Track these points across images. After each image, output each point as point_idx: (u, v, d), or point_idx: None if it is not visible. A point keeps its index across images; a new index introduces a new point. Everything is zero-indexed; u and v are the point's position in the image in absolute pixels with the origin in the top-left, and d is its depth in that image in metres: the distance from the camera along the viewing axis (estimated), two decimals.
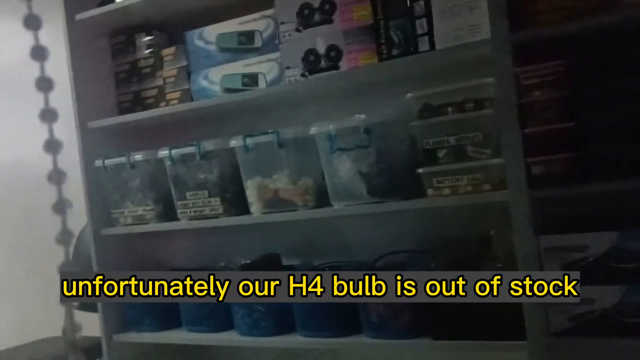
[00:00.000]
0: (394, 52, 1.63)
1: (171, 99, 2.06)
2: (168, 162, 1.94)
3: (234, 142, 1.82)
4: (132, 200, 2.02)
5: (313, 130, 1.70)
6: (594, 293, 1.38)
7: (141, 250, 2.19)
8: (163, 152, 1.95)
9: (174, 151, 1.92)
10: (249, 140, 1.79)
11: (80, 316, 2.40)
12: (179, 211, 1.95)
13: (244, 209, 1.86)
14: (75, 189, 2.09)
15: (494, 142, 1.49)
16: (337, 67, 1.74)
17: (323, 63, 1.75)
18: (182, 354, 2.14)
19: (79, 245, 2.40)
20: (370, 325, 1.65)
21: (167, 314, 2.00)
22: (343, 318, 1.70)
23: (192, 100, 1.99)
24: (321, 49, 1.75)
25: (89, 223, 2.07)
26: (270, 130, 1.78)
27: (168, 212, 1.99)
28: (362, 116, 1.63)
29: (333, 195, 1.71)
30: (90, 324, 2.08)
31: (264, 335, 1.81)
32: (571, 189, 1.39)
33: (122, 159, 2.00)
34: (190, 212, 1.92)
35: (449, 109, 1.55)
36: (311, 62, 1.76)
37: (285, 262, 1.96)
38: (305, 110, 1.93)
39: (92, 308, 2.11)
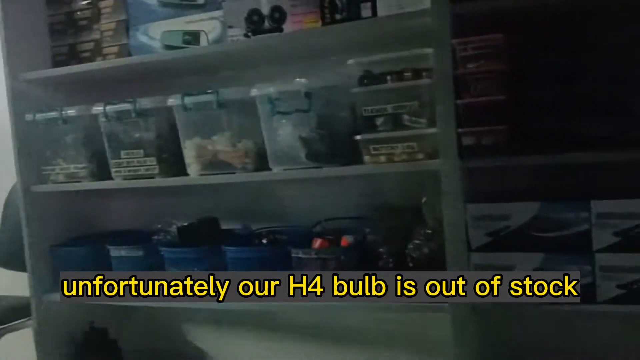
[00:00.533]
0: (337, 16, 1.62)
1: (108, 54, 1.99)
2: (103, 119, 1.88)
3: (172, 101, 1.78)
4: (65, 157, 1.95)
5: (254, 91, 1.69)
6: (514, 259, 1.45)
7: (75, 210, 2.13)
8: (97, 108, 1.88)
9: (108, 107, 1.86)
10: (187, 100, 1.76)
11: (10, 275, 2.34)
12: (113, 170, 1.89)
13: (181, 170, 1.83)
14: (4, 143, 2.00)
15: (430, 112, 1.52)
16: (280, 29, 1.71)
17: (267, 24, 1.72)
18: (114, 315, 2.12)
19: (9, 205, 2.32)
20: None
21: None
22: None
23: (130, 55, 1.93)
24: (265, 9, 1.72)
25: (18, 179, 1.99)
26: (210, 90, 1.74)
27: (102, 171, 1.93)
28: (303, 80, 1.62)
29: (272, 159, 1.71)
30: (22, 283, 2.03)
31: None
32: (500, 161, 1.44)
33: (54, 114, 1.92)
34: (125, 171, 1.87)
35: (388, 78, 1.57)
36: (255, 23, 1.73)
37: (224, 225, 1.96)
38: (249, 72, 1.90)
39: (21, 267, 2.04)
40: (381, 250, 1.64)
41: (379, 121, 1.59)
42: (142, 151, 1.84)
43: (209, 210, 1.97)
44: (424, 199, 1.62)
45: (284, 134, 1.67)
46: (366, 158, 1.61)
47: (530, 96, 1.41)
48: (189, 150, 1.80)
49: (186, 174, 1.82)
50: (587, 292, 1.38)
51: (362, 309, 1.63)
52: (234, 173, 1.76)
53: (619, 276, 1.36)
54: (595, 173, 1.44)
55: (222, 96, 1.72)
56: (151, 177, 1.85)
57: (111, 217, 2.23)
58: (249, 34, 1.73)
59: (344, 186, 1.85)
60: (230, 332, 2.09)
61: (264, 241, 1.82)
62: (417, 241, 1.60)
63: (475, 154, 1.45)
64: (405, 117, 1.57)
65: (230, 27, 1.76)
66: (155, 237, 1.96)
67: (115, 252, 1.93)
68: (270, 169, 1.71)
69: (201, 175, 1.80)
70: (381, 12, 1.57)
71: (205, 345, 2.14)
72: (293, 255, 1.68)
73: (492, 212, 1.47)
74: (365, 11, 1.58)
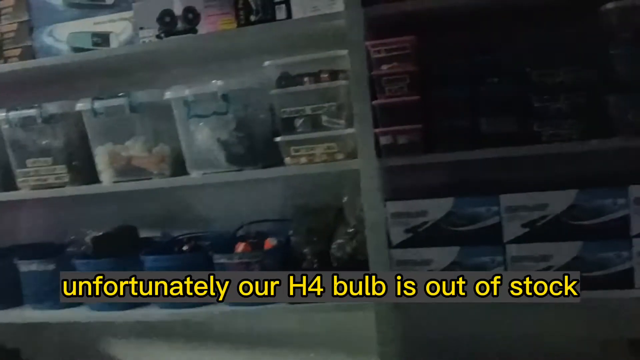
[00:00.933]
0: (252, 18, 1.61)
1: (10, 56, 1.86)
2: (5, 126, 1.76)
3: (81, 105, 1.70)
4: None
5: (168, 94, 1.64)
6: (432, 254, 1.49)
7: None
8: None
9: (12, 113, 1.74)
10: (97, 104, 1.68)
11: None
12: (19, 180, 1.78)
13: (93, 177, 1.75)
14: None
15: (348, 112, 1.54)
16: (194, 31, 1.67)
17: (180, 25, 1.68)
18: (26, 334, 1.99)
19: None
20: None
21: (7, 291, 1.84)
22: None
23: (34, 58, 1.82)
24: (178, 10, 1.67)
25: None
26: (121, 94, 1.68)
27: (6, 181, 1.81)
28: (219, 82, 1.59)
29: (190, 163, 1.67)
30: None
31: (119, 309, 1.73)
32: (416, 159, 1.48)
33: None
34: (32, 180, 1.77)
35: (306, 79, 1.57)
36: (167, 24, 1.68)
37: (143, 234, 1.89)
38: (163, 74, 1.84)
39: None
40: (305, 251, 1.63)
41: (298, 122, 1.59)
42: (50, 159, 1.74)
43: (126, 219, 1.89)
44: (345, 199, 1.64)
45: (202, 137, 1.64)
46: (287, 160, 1.60)
47: (442, 96, 1.45)
48: (101, 157, 1.72)
49: (99, 182, 1.74)
50: (500, 283, 1.44)
51: (287, 311, 1.62)
52: (150, 179, 1.70)
53: (527, 266, 1.43)
54: (504, 168, 1.51)
55: (134, 100, 1.66)
56: (61, 185, 1.76)
57: (20, 229, 2.09)
58: (162, 35, 1.68)
59: (266, 189, 1.83)
60: (152, 344, 2.02)
61: (185, 248, 1.76)
62: (340, 241, 1.61)
63: (392, 152, 1.48)
64: (324, 118, 1.58)
65: (142, 28, 1.70)
66: (69, 249, 1.86)
67: (25, 267, 1.81)
68: (188, 174, 1.67)
69: (115, 182, 1.72)
70: (296, 14, 1.57)
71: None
72: (215, 261, 1.65)
73: (410, 209, 1.50)
74: (280, 13, 1.58)
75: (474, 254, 1.46)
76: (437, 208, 1.48)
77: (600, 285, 1.39)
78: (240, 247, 1.68)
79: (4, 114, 1.75)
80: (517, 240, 1.44)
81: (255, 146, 1.64)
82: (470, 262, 1.46)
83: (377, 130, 1.47)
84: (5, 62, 1.85)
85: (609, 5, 1.35)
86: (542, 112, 1.41)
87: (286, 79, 1.60)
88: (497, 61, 1.45)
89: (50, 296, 1.79)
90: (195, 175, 1.67)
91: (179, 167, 1.70)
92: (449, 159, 1.46)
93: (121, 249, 1.77)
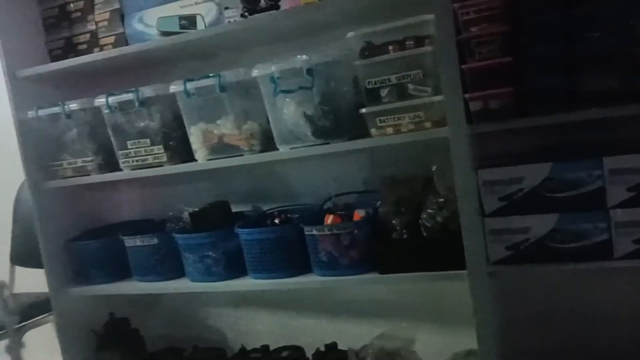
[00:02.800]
0: None
1: (105, 44, 1.97)
2: (106, 111, 1.87)
3: (174, 87, 1.77)
4: (71, 152, 1.95)
5: (255, 72, 1.67)
6: (529, 222, 1.45)
7: (85, 203, 2.14)
8: (100, 100, 1.87)
9: (111, 98, 1.85)
10: (189, 85, 1.74)
11: (28, 272, 2.34)
12: (121, 161, 1.89)
13: (188, 156, 1.82)
14: (9, 141, 2.00)
15: (435, 79, 1.51)
16: (277, 7, 1.69)
17: (263, 2, 1.70)
18: (134, 305, 2.14)
19: (20, 203, 2.33)
20: (320, 263, 1.69)
21: (116, 265, 1.98)
22: (293, 259, 1.73)
23: (127, 44, 1.91)
24: None
25: (26, 177, 2.00)
26: (211, 74, 1.73)
27: (110, 163, 1.93)
28: (304, 57, 1.60)
29: (279, 138, 1.70)
30: (40, 279, 2.05)
31: (216, 281, 1.82)
32: (508, 124, 1.43)
33: (57, 109, 1.91)
34: (132, 161, 1.87)
35: (390, 48, 1.55)
36: (250, 2, 1.70)
37: (234, 208, 1.96)
38: (248, 54, 1.88)
39: (37, 264, 2.06)
40: (394, 222, 1.64)
41: (384, 92, 1.58)
42: (148, 140, 1.84)
43: (219, 195, 1.98)
44: (434, 168, 1.61)
45: (289, 112, 1.66)
46: (373, 131, 1.60)
47: (534, 56, 1.38)
48: (195, 136, 1.79)
49: (194, 160, 1.82)
50: (604, 249, 1.38)
51: (382, 282, 1.64)
52: (241, 155, 1.75)
53: (634, 231, 1.36)
54: (605, 129, 1.43)
55: (224, 79, 1.70)
56: (159, 165, 1.85)
57: (122, 208, 2.23)
58: (246, 13, 1.71)
59: (352, 161, 1.84)
60: (248, 313, 2.11)
61: (276, 221, 1.82)
62: (430, 210, 1.59)
63: (483, 118, 1.43)
64: (410, 86, 1.55)
65: (227, 8, 1.74)
66: (168, 224, 1.97)
67: (130, 242, 1.94)
68: (277, 149, 1.71)
69: (209, 160, 1.79)
70: None
71: (226, 328, 2.16)
72: (307, 233, 1.68)
73: (504, 176, 1.46)
74: None
75: (575, 221, 1.40)
76: (533, 174, 1.43)
77: None
78: (329, 219, 1.71)
79: (103, 99, 1.86)
80: (623, 204, 1.36)
81: (341, 119, 1.64)
82: (571, 229, 1.40)
83: (466, 95, 1.43)
84: (101, 49, 1.96)
85: None
86: None
87: (370, 49, 1.59)
88: (595, 13, 1.35)
89: (154, 269, 1.91)
90: (283, 150, 1.70)
91: (268, 142, 1.74)
92: (545, 122, 1.39)
93: (216, 223, 1.85)
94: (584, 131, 1.45)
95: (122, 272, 1.98)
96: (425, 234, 1.59)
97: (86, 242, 2.02)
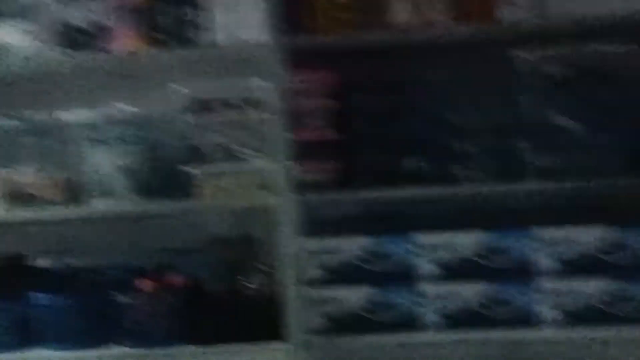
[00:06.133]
0: (165, 39, 1.50)
1: None
2: None
3: None
4: None
5: (67, 116, 1.50)
6: (347, 293, 1.47)
7: None
8: None
9: None
10: None
11: None
12: None
13: None
14: None
15: (265, 145, 1.48)
16: (101, 48, 1.54)
17: (84, 40, 1.54)
18: None
19: None
20: (130, 334, 1.52)
21: None
22: (98, 328, 1.54)
23: None
24: (83, 23, 1.54)
25: None
26: (13, 114, 1.51)
27: None
28: (124, 105, 1.48)
29: (89, 191, 1.54)
30: None
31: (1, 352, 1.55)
32: (334, 195, 1.46)
33: None
34: None
35: (221, 107, 1.50)
36: (70, 37, 1.53)
37: (37, 263, 1.71)
38: (61, 94, 1.68)
39: None
40: (214, 288, 1.55)
41: (211, 152, 1.51)
42: None
43: (19, 247, 1.71)
44: (258, 233, 1.58)
45: (103, 164, 1.52)
46: (197, 191, 1.52)
47: (358, 133, 1.44)
48: None
49: None
50: (414, 322, 1.44)
51: (199, 356, 1.53)
52: (44, 207, 1.54)
53: (444, 304, 1.43)
54: (419, 206, 1.52)
55: (28, 122, 1.50)
56: None
57: None
58: (66, 50, 1.53)
59: (172, 219, 1.72)
60: None
61: (79, 283, 1.61)
62: (252, 277, 1.54)
63: (310, 188, 1.45)
64: (239, 149, 1.51)
65: (43, 41, 1.54)
66: None
67: None
68: (86, 202, 1.54)
69: (6, 210, 1.55)
70: (215, 38, 1.48)
71: None
72: (116, 298, 1.52)
73: (325, 246, 1.47)
74: (197, 36, 1.49)
75: (388, 294, 1.45)
76: (352, 246, 1.46)
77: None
78: (144, 283, 1.57)
79: None
80: (432, 279, 1.44)
81: (162, 175, 1.54)
82: (385, 301, 1.45)
83: (296, 165, 1.43)
84: None
85: (519, 53, 1.40)
86: (456, 152, 1.43)
87: (200, 106, 1.52)
88: (412, 100, 1.46)
89: None
90: (94, 205, 1.53)
91: (75, 194, 1.55)
92: (366, 196, 1.45)
93: (6, 283, 1.59)
94: (403, 206, 1.53)
95: None
96: (246, 301, 1.53)
97: None
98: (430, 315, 1.44)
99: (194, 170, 1.50)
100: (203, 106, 1.51)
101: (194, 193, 1.51)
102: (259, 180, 1.49)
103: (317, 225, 1.52)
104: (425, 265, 1.44)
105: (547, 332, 1.41)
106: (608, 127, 1.34)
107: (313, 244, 1.47)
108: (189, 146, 1.51)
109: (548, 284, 1.40)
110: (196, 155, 1.51)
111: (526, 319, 1.41)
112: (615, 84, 1.33)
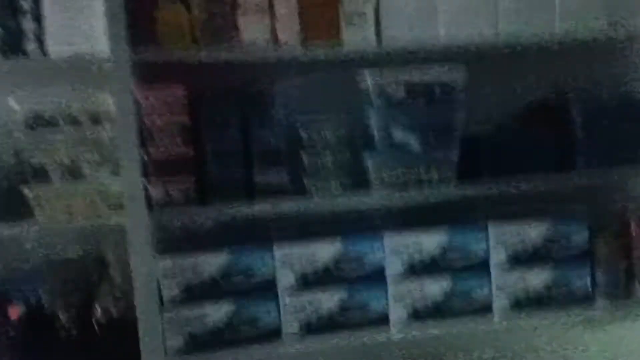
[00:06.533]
0: None
1: None
2: None
3: None
4: None
5: None
6: (207, 310, 1.44)
7: None
8: None
9: None
10: None
11: None
12: None
13: None
14: None
15: (113, 162, 1.41)
16: None
17: None
18: None
19: None
20: None
21: None
22: None
23: None
24: None
25: None
26: None
27: None
28: None
29: None
30: None
31: None
32: (189, 212, 1.43)
33: None
34: None
35: (63, 122, 1.40)
36: None
37: None
38: None
39: None
40: (61, 316, 1.44)
41: (53, 171, 1.40)
42: None
43: None
44: (109, 254, 1.49)
45: None
46: (38, 212, 1.40)
47: (212, 148, 1.43)
48: None
49: None
50: (274, 334, 1.46)
51: None
52: None
53: (300, 316, 1.47)
54: (277, 220, 1.54)
55: None
56: None
57: None
58: None
59: (8, 240, 1.57)
60: None
61: None
62: (103, 302, 1.45)
63: (164, 205, 1.40)
64: (85, 166, 1.42)
65: None
66: None
67: None
68: None
69: None
70: (51, 48, 1.38)
71: None
72: None
73: (183, 264, 1.43)
74: (32, 46, 1.38)
75: (248, 308, 1.45)
76: (210, 262, 1.44)
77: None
78: None
79: None
80: (289, 290, 1.47)
81: None
82: (246, 316, 1.45)
83: (147, 182, 1.37)
84: None
85: (365, 74, 1.49)
86: (308, 166, 1.48)
87: (38, 120, 1.40)
88: (267, 114, 1.47)
89: None
90: None
91: None
92: (219, 211, 1.43)
93: None
94: (261, 220, 1.53)
95: None
96: (98, 329, 1.44)
97: None
98: (291, 325, 1.47)
99: (33, 190, 1.38)
100: (42, 121, 1.40)
101: (34, 214, 1.39)
102: (106, 199, 1.41)
103: (173, 243, 1.48)
104: (285, 277, 1.47)
105: (396, 333, 1.51)
106: (439, 142, 1.48)
107: (168, 262, 1.43)
108: (29, 164, 1.39)
109: (399, 285, 1.51)
110: (37, 173, 1.39)
111: (380, 321, 1.50)
112: (444, 103, 1.47)
